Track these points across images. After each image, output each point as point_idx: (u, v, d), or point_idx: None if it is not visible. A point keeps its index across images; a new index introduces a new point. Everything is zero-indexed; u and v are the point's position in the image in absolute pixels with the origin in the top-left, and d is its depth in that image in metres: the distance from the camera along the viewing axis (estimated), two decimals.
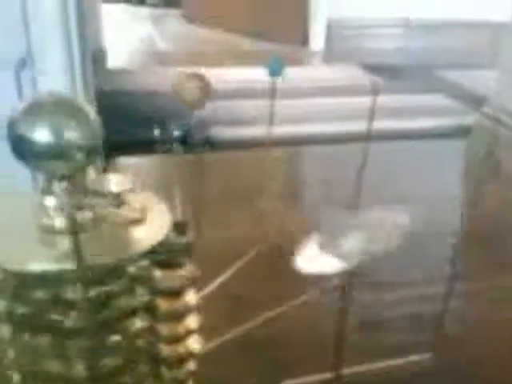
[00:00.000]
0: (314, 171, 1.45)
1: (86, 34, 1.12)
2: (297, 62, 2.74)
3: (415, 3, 3.10)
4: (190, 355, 0.53)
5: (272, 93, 0.71)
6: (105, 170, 0.41)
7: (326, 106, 2.00)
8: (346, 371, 0.71)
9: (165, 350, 0.52)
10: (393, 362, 0.71)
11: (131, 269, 0.46)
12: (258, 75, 2.26)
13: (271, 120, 0.75)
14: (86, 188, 0.45)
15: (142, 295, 0.49)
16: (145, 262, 0.47)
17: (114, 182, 0.45)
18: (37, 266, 0.42)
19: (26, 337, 0.48)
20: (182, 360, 0.53)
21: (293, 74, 2.33)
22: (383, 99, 2.32)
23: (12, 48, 0.93)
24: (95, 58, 1.78)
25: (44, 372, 0.48)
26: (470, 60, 2.82)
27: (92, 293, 0.45)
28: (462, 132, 1.83)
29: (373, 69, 2.53)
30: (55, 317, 0.46)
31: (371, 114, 0.66)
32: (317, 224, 0.67)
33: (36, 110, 0.42)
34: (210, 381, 0.57)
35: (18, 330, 0.48)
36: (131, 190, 0.45)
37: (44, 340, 0.48)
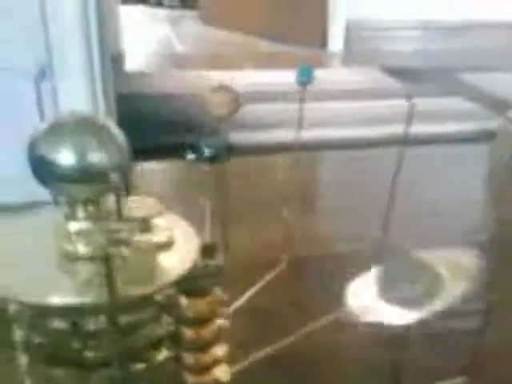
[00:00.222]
0: (340, 177, 1.41)
1: (106, 36, 1.09)
2: (316, 64, 2.71)
3: (434, 5, 3.06)
4: None
5: (301, 100, 0.69)
6: (130, 192, 0.39)
7: (348, 109, 1.97)
8: None
9: (190, 379, 0.49)
10: None
11: (158, 297, 0.44)
12: (277, 78, 2.24)
13: (299, 124, 0.73)
14: (110, 212, 0.42)
15: (167, 324, 0.46)
16: (172, 290, 0.44)
17: (140, 206, 0.43)
18: (56, 298, 0.39)
19: (43, 367, 0.45)
20: None
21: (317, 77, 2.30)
22: (402, 103, 2.27)
23: (31, 53, 0.91)
24: (113, 60, 1.76)
25: None
26: (491, 62, 2.77)
27: (117, 322, 0.42)
28: (485, 136, 1.79)
29: (392, 71, 2.49)
30: (74, 347, 0.44)
31: (408, 119, 0.62)
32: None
33: (58, 130, 0.40)
34: None
35: (35, 360, 0.46)
36: (158, 214, 0.43)
37: (62, 371, 0.45)
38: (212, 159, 0.46)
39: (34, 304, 0.40)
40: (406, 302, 0.52)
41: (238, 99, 0.53)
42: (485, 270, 0.57)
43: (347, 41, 2.95)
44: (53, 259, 0.43)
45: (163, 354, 0.46)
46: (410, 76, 2.41)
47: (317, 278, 0.91)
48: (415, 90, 2.24)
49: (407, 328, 0.58)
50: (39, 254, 0.44)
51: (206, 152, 0.45)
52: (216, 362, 0.50)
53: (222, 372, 0.51)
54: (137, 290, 0.40)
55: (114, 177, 0.38)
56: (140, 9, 3.86)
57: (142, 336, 0.45)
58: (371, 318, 0.53)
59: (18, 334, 0.47)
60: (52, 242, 0.43)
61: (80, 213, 0.42)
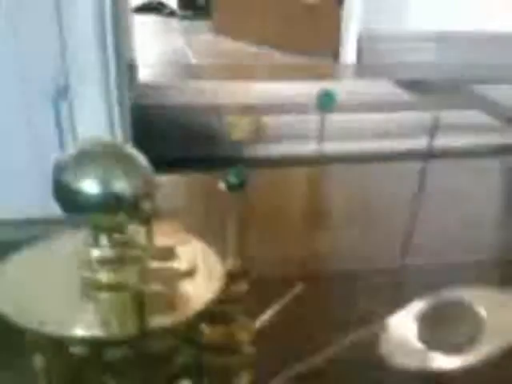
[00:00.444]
0: (358, 190, 1.39)
1: (123, 49, 1.09)
2: (329, 76, 2.71)
3: (448, 17, 3.04)
4: None
5: (321, 124, 0.68)
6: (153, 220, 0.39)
7: (361, 121, 1.96)
8: None
9: None
10: None
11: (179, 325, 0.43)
12: (291, 89, 2.23)
13: (321, 137, 0.71)
14: (134, 240, 0.42)
15: (189, 352, 0.45)
16: (195, 319, 0.43)
17: (164, 232, 0.42)
18: (78, 330, 0.38)
19: None
20: None
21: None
22: (417, 115, 2.26)
23: (47, 71, 0.91)
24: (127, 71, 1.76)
25: None
26: (506, 75, 2.75)
27: (139, 353, 0.42)
28: (501, 150, 1.77)
29: (405, 83, 2.48)
30: (95, 376, 0.43)
31: (431, 132, 0.61)
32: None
33: (82, 158, 0.39)
34: None
35: None
36: (182, 242, 0.42)
37: None
38: (236, 188, 0.46)
39: (55, 335, 0.39)
40: (448, 347, 0.51)
41: (260, 123, 0.52)
42: None
43: (360, 52, 2.94)
44: (74, 287, 0.42)
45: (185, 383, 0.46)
46: (423, 88, 2.40)
47: (340, 296, 0.90)
48: (429, 103, 2.23)
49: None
50: (61, 281, 0.43)
51: (232, 180, 0.45)
52: None
53: None
54: (161, 321, 0.39)
55: (145, 206, 0.38)
56: (153, 19, 3.87)
57: (164, 365, 0.44)
58: (411, 361, 0.51)
59: (38, 361, 0.46)
60: (74, 269, 0.43)
61: (103, 240, 0.41)
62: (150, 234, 0.39)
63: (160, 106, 2.04)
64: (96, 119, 0.97)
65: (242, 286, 0.46)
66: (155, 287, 0.41)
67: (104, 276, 0.41)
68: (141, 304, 0.33)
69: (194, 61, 2.86)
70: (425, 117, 2.07)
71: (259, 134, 0.49)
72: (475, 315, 0.53)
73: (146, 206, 0.38)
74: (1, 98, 0.92)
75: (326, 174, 1.34)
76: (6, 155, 0.95)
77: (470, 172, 1.59)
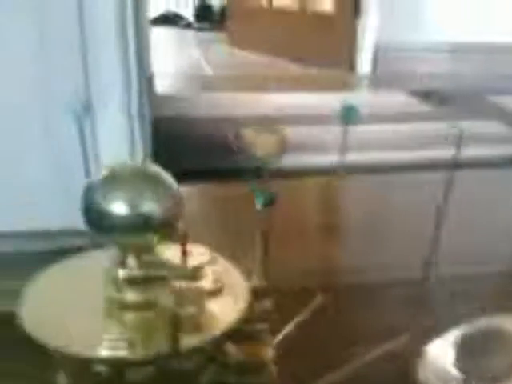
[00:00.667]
0: (380, 200, 1.39)
1: (144, 60, 1.09)
2: (345, 86, 2.71)
3: (463, 27, 3.03)
4: None
5: (344, 136, 0.68)
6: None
7: (378, 132, 1.96)
8: None
9: None
10: None
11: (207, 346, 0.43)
12: (310, 101, 2.24)
13: (344, 149, 0.71)
14: (160, 260, 0.42)
15: (214, 372, 0.46)
16: (220, 338, 0.44)
17: (191, 254, 0.42)
18: (102, 351, 0.39)
19: None
20: None
21: (340, 101, 2.29)
22: (433, 126, 2.24)
23: (69, 86, 0.91)
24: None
25: None
26: None
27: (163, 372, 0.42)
28: None
29: (420, 94, 2.48)
30: None
31: (457, 143, 0.61)
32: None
33: (112, 180, 0.40)
34: None
35: None
36: (209, 263, 0.42)
37: None
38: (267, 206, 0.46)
39: (81, 356, 0.39)
40: (485, 376, 0.50)
41: (284, 140, 0.53)
42: None
43: (375, 63, 2.94)
44: (100, 306, 0.43)
45: None
46: (438, 99, 2.39)
47: (362, 309, 0.89)
48: (445, 114, 2.22)
49: None
50: (86, 300, 0.44)
51: (264, 201, 0.45)
52: None
53: None
54: (188, 341, 0.39)
55: (177, 226, 0.38)
56: (169, 31, 3.90)
57: None
58: None
59: (62, 378, 0.47)
60: (100, 288, 0.43)
61: (131, 261, 0.42)
62: (184, 254, 0.39)
63: (174, 117, 2.05)
64: (117, 132, 0.97)
65: (267, 304, 0.47)
66: (182, 307, 0.41)
67: (130, 296, 0.42)
68: (176, 325, 0.34)
69: (209, 73, 2.88)
70: (441, 127, 2.07)
71: (283, 148, 0.49)
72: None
73: (179, 226, 0.38)
74: (22, 110, 0.93)
75: (344, 184, 1.34)
76: (26, 167, 0.96)
77: (490, 182, 1.59)
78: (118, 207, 0.39)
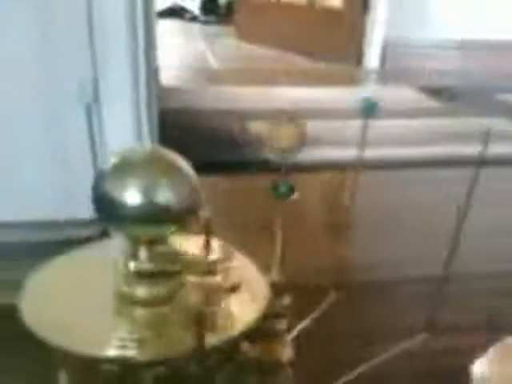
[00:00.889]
0: (394, 197, 1.36)
1: (152, 51, 1.08)
2: (352, 81, 2.68)
3: (471, 24, 3.01)
4: None
5: (364, 130, 0.65)
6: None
7: (387, 128, 1.93)
8: None
9: None
10: None
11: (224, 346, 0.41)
12: (318, 94, 2.21)
13: (363, 143, 0.69)
14: (176, 253, 0.39)
15: (229, 371, 0.43)
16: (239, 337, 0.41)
17: (209, 248, 0.40)
18: (110, 350, 0.36)
19: None
20: None
21: (352, 95, 2.27)
22: (441, 122, 2.22)
23: (77, 74, 0.89)
24: None
25: None
26: None
27: (176, 372, 0.39)
28: None
29: (428, 90, 2.45)
30: None
31: (485, 139, 0.58)
32: None
33: (125, 166, 0.37)
34: None
35: None
36: (226, 258, 0.40)
37: None
38: (286, 196, 0.43)
39: (85, 355, 0.37)
40: None
41: (304, 132, 0.50)
42: None
43: (383, 59, 2.92)
44: (108, 302, 0.40)
45: None
46: (448, 95, 2.37)
47: (381, 306, 0.86)
48: (453, 110, 2.20)
49: None
50: (93, 294, 0.41)
51: (283, 190, 0.43)
52: None
53: None
54: (206, 341, 0.37)
55: (200, 215, 0.35)
56: (175, 23, 3.87)
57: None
58: None
59: (63, 378, 0.44)
60: (108, 282, 0.41)
61: (143, 253, 0.39)
62: (206, 246, 0.36)
63: (180, 110, 2.02)
64: (125, 124, 0.96)
65: (286, 301, 0.44)
66: (198, 303, 0.39)
67: (141, 291, 0.39)
68: (201, 323, 0.31)
69: (214, 66, 2.85)
70: (448, 123, 2.04)
71: (303, 140, 0.46)
72: None
73: (202, 214, 0.35)
74: (26, 101, 0.91)
75: (359, 180, 1.31)
76: (31, 157, 0.94)
77: (503, 180, 1.56)
78: (131, 196, 0.36)
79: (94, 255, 0.45)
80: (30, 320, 0.39)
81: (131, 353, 0.37)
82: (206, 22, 4.00)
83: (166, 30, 3.46)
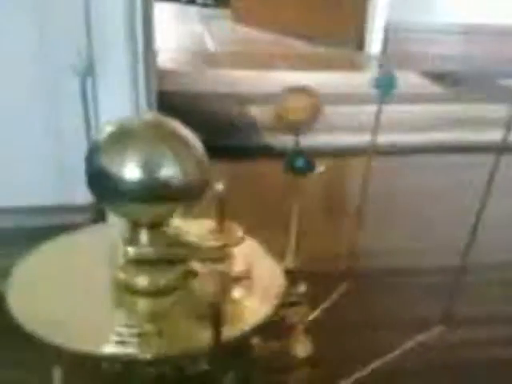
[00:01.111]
0: (401, 184, 1.31)
1: (150, 32, 1.05)
2: (352, 66, 2.63)
3: (475, 9, 2.98)
4: None
5: (378, 113, 0.61)
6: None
7: (388, 113, 1.88)
8: None
9: None
10: None
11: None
12: (317, 79, 2.16)
13: (376, 128, 0.64)
14: (180, 237, 0.35)
15: (238, 370, 0.39)
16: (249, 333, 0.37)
17: (218, 231, 0.35)
18: (108, 347, 0.32)
19: None
20: None
21: (352, 80, 2.22)
22: (445, 108, 2.17)
23: (73, 46, 0.86)
24: None
25: None
26: None
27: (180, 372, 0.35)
28: None
29: (431, 75, 2.41)
30: None
31: (508, 125, 0.54)
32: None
33: (124, 137, 0.32)
34: None
35: None
36: (237, 243, 0.35)
37: None
38: (304, 172, 0.39)
39: (82, 352, 0.32)
40: None
41: (319, 103, 0.45)
42: None
43: (385, 43, 2.87)
44: (104, 292, 0.35)
45: None
46: (452, 80, 2.34)
47: (394, 296, 0.83)
48: (456, 95, 2.17)
49: None
50: (88, 284, 0.36)
51: (299, 162, 0.38)
52: None
53: None
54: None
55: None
56: (172, 6, 3.81)
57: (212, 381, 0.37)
58: None
59: (57, 374, 0.40)
60: (104, 270, 0.36)
61: (143, 237, 0.34)
62: (219, 227, 0.32)
63: (177, 92, 1.98)
64: (124, 106, 0.93)
65: (302, 289, 0.39)
66: (206, 292, 0.34)
67: (141, 280, 0.35)
68: (217, 317, 0.26)
69: (211, 48, 2.79)
70: (452, 109, 2.00)
71: (318, 112, 0.42)
72: None
73: (216, 191, 0.30)
74: (25, 101, 0.89)
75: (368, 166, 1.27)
76: (26, 142, 0.92)
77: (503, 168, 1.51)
78: (129, 170, 0.31)
79: (88, 240, 0.41)
80: (19, 312, 0.34)
81: (131, 350, 0.32)
82: (203, 5, 3.93)
83: (163, 12, 3.39)
